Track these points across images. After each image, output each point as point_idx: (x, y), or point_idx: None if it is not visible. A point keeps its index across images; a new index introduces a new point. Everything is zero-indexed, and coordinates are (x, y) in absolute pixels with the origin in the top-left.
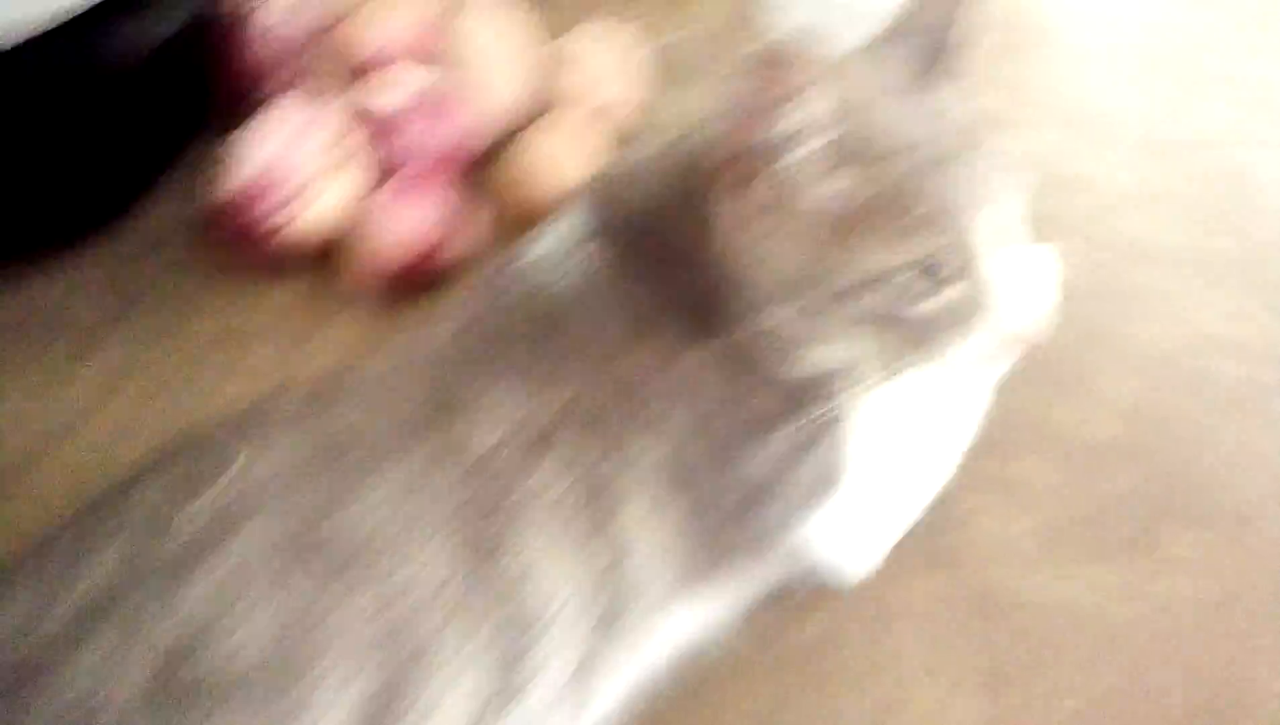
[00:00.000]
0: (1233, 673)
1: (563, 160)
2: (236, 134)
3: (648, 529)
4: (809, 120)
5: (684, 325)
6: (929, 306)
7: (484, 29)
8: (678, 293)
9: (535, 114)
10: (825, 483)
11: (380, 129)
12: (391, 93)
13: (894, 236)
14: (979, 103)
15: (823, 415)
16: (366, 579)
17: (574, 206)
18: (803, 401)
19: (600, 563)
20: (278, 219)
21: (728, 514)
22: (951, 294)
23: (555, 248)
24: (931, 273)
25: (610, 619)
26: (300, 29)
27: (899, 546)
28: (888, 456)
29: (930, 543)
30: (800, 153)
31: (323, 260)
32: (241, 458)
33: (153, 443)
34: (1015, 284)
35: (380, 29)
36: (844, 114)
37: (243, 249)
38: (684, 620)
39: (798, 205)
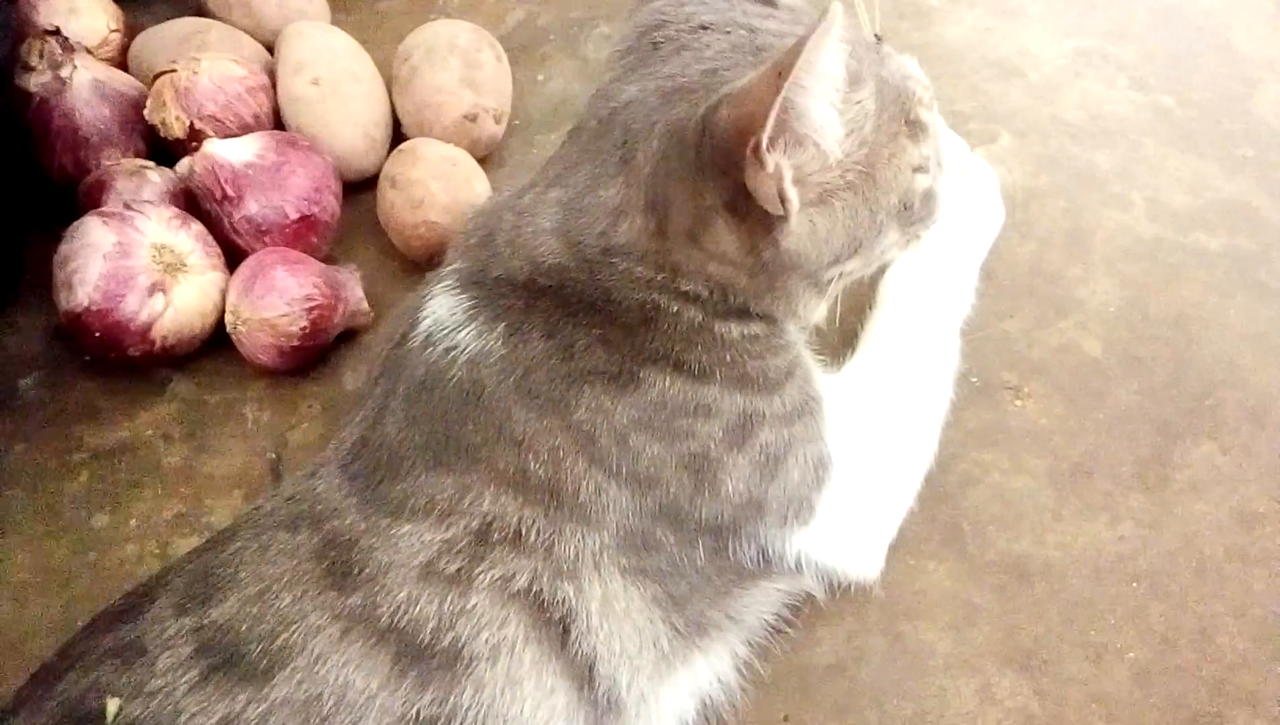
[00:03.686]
0: (1276, 592)
1: (433, 181)
2: (65, 245)
3: (614, 620)
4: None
5: (625, 369)
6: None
7: (325, 65)
8: (607, 343)
9: (397, 138)
10: (818, 481)
11: (226, 195)
12: (235, 146)
13: (910, 133)
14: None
15: (804, 406)
16: None
17: (447, 273)
18: (778, 398)
19: (569, 683)
20: (144, 317)
21: (703, 547)
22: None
23: (441, 323)
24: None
25: None
26: (115, 100)
27: (904, 534)
28: (871, 430)
29: (935, 520)
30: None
31: (213, 351)
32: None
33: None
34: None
35: (214, 80)
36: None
37: (119, 351)
38: (686, 686)
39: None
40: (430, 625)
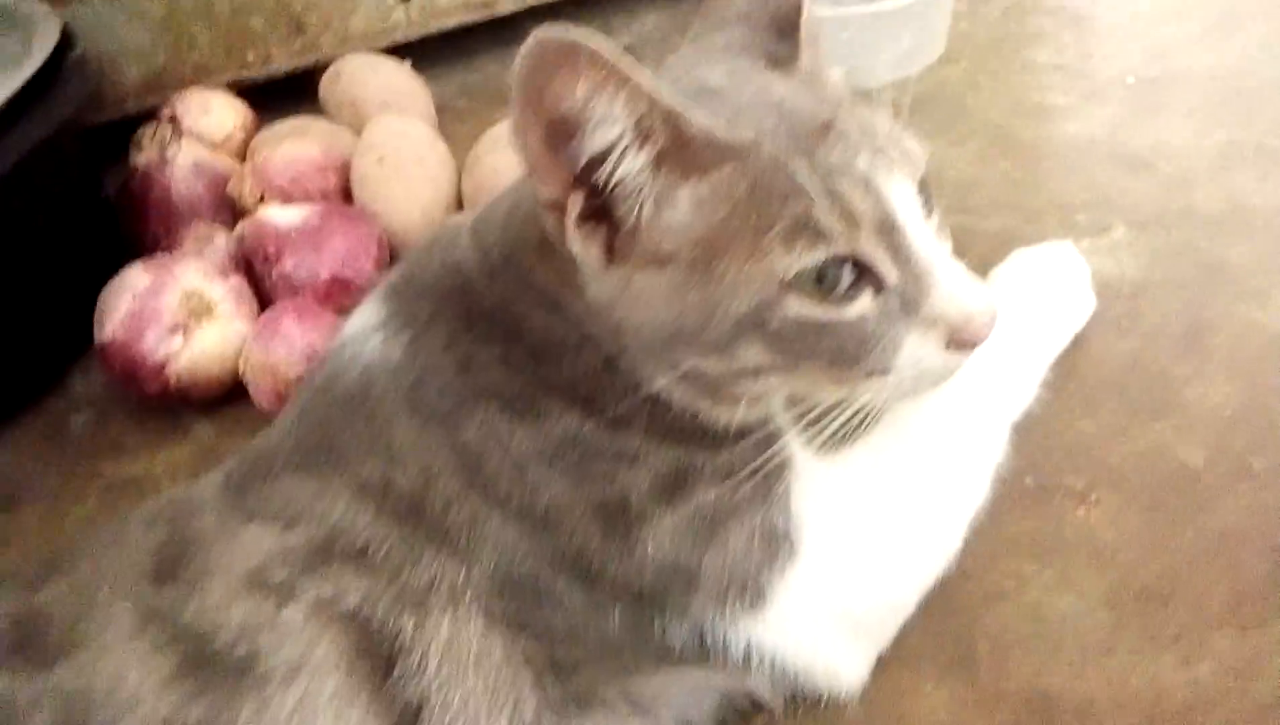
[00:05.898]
0: None
1: None
2: (109, 284)
3: (458, 667)
4: (616, 130)
5: (526, 395)
6: (856, 308)
7: (392, 147)
8: (509, 363)
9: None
10: (767, 556)
11: (269, 254)
12: (286, 212)
13: (787, 235)
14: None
15: (759, 467)
16: None
17: (378, 287)
18: (724, 453)
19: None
20: (160, 354)
21: (619, 616)
22: (886, 285)
23: (354, 331)
24: (852, 264)
25: None
26: (210, 177)
27: (901, 645)
28: (858, 515)
29: (943, 634)
30: (622, 170)
31: (237, 395)
32: None
33: None
34: (952, 261)
35: (286, 157)
36: (661, 115)
37: (137, 386)
38: None
39: (648, 241)
40: (228, 633)
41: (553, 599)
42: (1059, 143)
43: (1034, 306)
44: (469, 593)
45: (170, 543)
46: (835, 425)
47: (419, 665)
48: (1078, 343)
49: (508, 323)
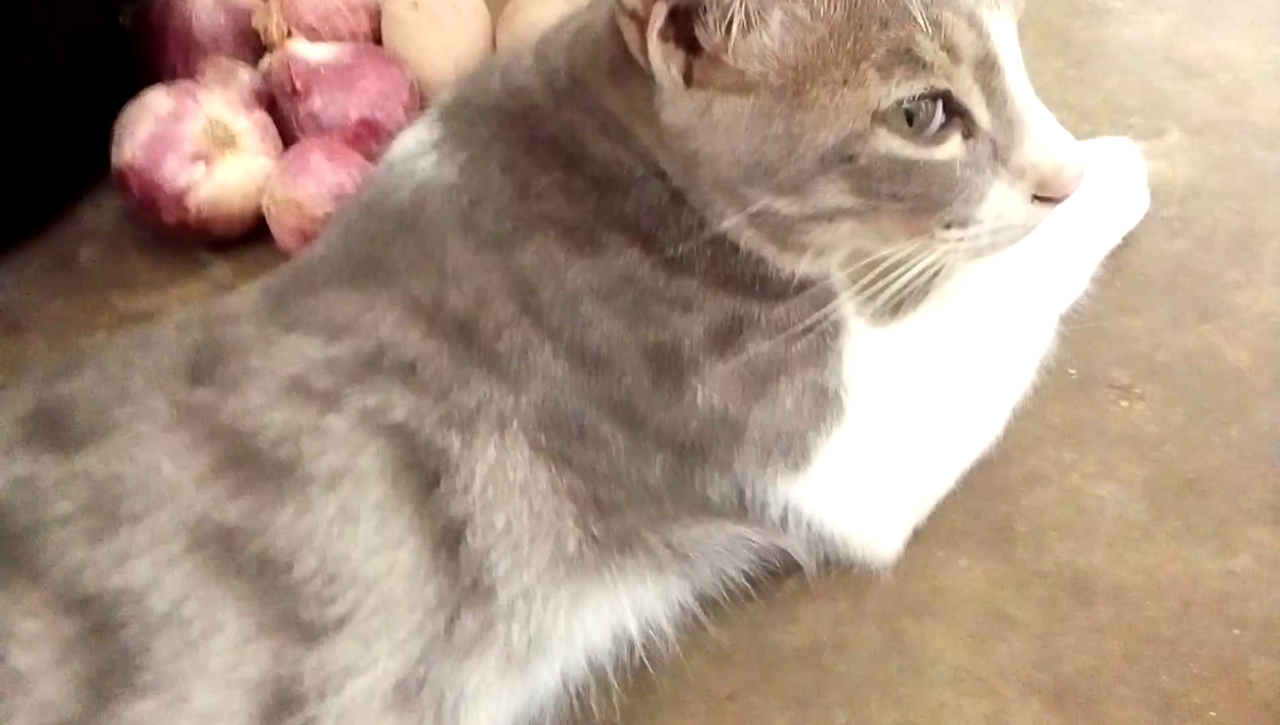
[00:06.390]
0: None
1: None
2: (128, 105)
3: (503, 491)
4: None
5: (585, 226)
6: (946, 150)
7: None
8: (569, 191)
9: None
10: (815, 417)
11: (297, 90)
12: (317, 48)
13: (885, 63)
14: None
15: (813, 324)
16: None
17: (432, 105)
18: (781, 306)
19: (423, 540)
20: (180, 182)
21: (661, 464)
22: (979, 128)
23: (405, 151)
24: (944, 104)
25: (451, 618)
26: (233, 11)
27: (937, 520)
28: (905, 386)
29: (981, 513)
30: None
31: (257, 235)
32: None
33: None
34: (1044, 110)
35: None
36: None
37: (154, 215)
38: (593, 609)
39: (732, 64)
40: (271, 434)
41: (597, 440)
42: (1115, 45)
43: (1090, 199)
44: (516, 420)
45: (205, 346)
46: (896, 286)
47: (464, 484)
48: (1128, 241)
49: (571, 149)
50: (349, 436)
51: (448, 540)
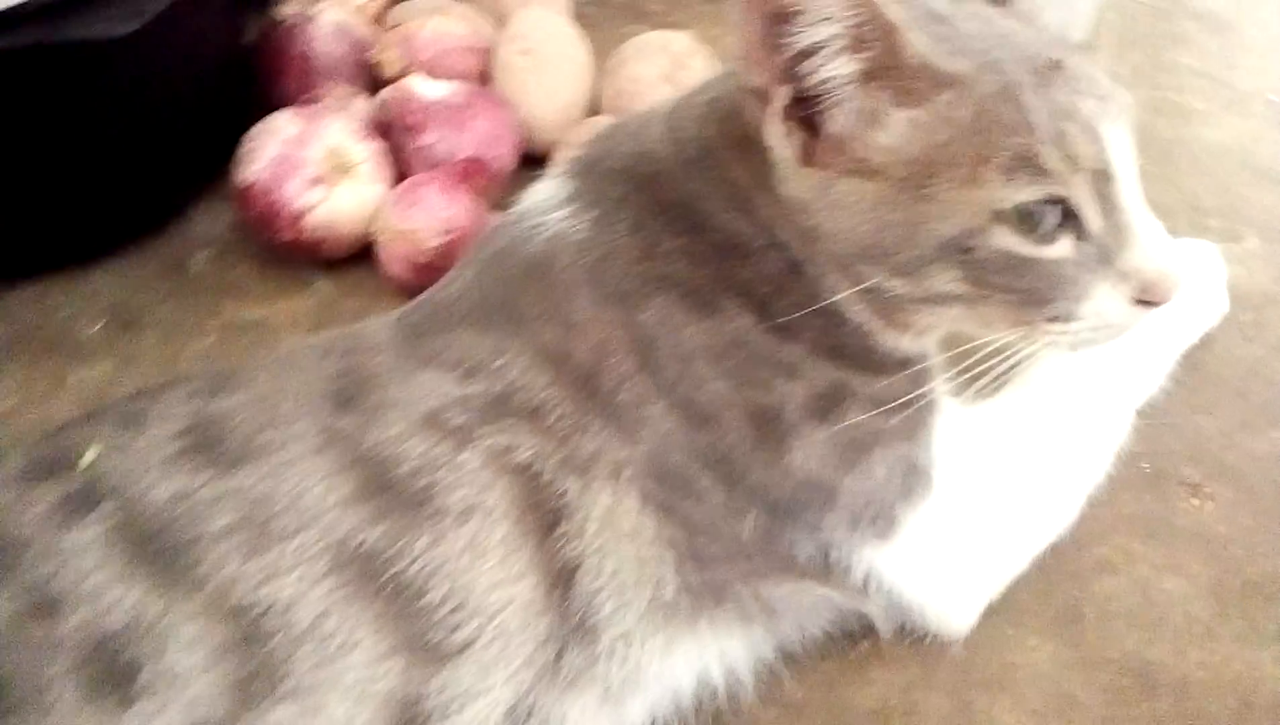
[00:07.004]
0: None
1: None
2: (255, 127)
3: (613, 537)
4: (832, 29)
5: (704, 290)
6: (1057, 250)
7: (538, 40)
8: (692, 256)
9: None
10: (904, 489)
11: (411, 125)
12: (433, 85)
13: (1008, 167)
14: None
15: (911, 401)
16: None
17: (563, 160)
18: (881, 380)
19: (540, 578)
20: (299, 203)
21: (753, 522)
22: (1089, 231)
23: (537, 204)
24: (1059, 209)
25: (559, 652)
26: (351, 41)
27: (1009, 598)
28: (989, 466)
29: (1052, 595)
30: (828, 71)
31: (360, 258)
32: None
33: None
34: (1152, 219)
35: (434, 32)
36: (881, 28)
37: (271, 232)
38: (684, 653)
39: (855, 152)
40: (409, 465)
41: (698, 493)
42: (1196, 147)
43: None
44: (628, 470)
45: (347, 373)
46: (993, 371)
47: (579, 528)
48: (1204, 342)
49: (696, 216)
50: (479, 473)
51: (562, 580)
